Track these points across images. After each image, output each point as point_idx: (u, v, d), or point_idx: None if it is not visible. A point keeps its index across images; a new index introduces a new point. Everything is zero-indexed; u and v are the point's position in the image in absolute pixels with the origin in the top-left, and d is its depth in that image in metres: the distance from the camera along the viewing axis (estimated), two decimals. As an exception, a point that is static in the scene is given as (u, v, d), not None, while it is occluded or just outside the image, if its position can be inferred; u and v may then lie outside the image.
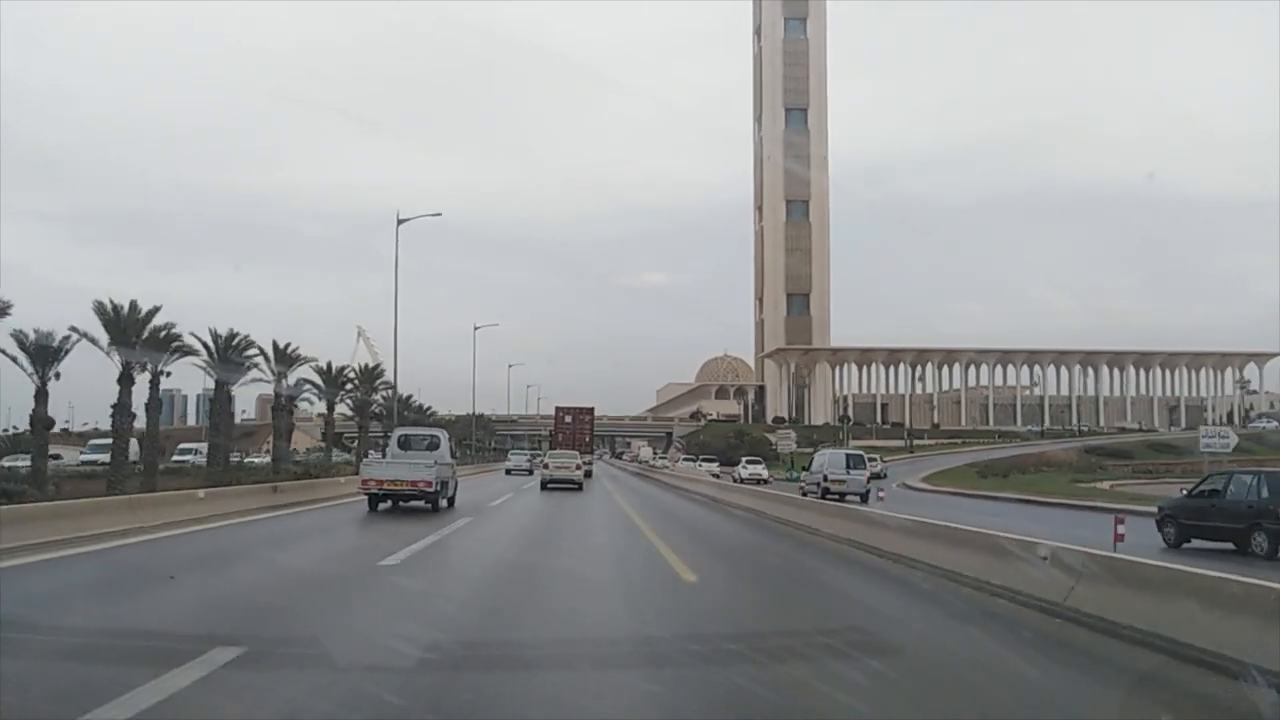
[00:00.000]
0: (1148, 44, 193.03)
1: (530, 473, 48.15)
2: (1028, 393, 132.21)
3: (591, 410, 62.03)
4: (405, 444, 21.03)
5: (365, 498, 19.52)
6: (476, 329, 53.26)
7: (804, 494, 28.36)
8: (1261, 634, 5.46)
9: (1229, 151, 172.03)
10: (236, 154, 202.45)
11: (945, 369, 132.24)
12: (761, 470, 50.75)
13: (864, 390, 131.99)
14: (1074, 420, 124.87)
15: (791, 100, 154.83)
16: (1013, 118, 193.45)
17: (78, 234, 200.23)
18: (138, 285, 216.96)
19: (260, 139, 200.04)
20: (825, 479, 30.30)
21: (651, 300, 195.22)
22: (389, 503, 19.30)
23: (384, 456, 22.38)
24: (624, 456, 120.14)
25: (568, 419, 59.43)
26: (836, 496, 28.26)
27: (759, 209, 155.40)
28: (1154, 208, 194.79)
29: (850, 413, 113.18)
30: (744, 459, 56.85)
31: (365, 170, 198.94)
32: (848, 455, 33.21)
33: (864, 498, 28.84)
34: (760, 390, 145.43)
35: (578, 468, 35.65)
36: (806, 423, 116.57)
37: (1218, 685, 5.46)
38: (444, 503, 19.69)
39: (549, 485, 33.44)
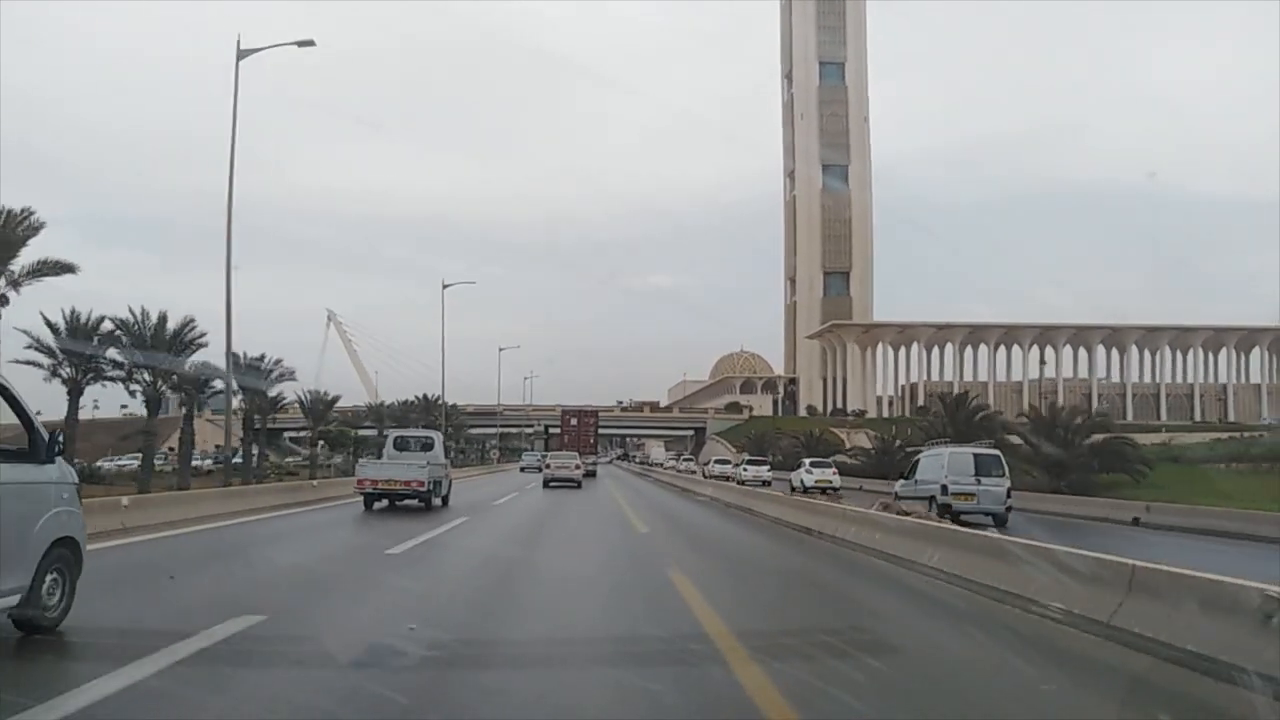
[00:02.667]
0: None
1: (539, 470, 50.85)
2: (1134, 380, 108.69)
3: (596, 413, 64.69)
4: (401, 445, 22.19)
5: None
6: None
7: (904, 514, 19.33)
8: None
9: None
10: (237, 156, 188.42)
11: (1034, 350, 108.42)
12: (832, 476, 41.75)
13: (929, 377, 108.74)
14: (1197, 411, 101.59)
15: (826, 53, 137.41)
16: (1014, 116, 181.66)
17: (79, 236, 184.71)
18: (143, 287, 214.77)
19: (262, 140, 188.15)
20: (945, 491, 21.20)
21: (659, 300, 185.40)
22: (385, 502, 20.14)
23: (380, 458, 23.47)
24: (632, 459, 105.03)
25: (573, 421, 61.55)
26: (951, 516, 19.26)
27: (790, 175, 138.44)
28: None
29: (925, 403, 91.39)
30: (807, 462, 45.13)
31: (370, 173, 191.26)
32: (976, 456, 22.68)
33: (1001, 521, 19.99)
34: (791, 383, 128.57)
35: (576, 467, 39.04)
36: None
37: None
38: (437, 501, 20.55)
39: (550, 483, 36.39)
